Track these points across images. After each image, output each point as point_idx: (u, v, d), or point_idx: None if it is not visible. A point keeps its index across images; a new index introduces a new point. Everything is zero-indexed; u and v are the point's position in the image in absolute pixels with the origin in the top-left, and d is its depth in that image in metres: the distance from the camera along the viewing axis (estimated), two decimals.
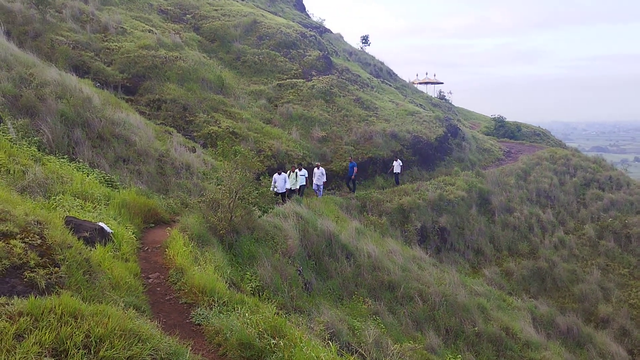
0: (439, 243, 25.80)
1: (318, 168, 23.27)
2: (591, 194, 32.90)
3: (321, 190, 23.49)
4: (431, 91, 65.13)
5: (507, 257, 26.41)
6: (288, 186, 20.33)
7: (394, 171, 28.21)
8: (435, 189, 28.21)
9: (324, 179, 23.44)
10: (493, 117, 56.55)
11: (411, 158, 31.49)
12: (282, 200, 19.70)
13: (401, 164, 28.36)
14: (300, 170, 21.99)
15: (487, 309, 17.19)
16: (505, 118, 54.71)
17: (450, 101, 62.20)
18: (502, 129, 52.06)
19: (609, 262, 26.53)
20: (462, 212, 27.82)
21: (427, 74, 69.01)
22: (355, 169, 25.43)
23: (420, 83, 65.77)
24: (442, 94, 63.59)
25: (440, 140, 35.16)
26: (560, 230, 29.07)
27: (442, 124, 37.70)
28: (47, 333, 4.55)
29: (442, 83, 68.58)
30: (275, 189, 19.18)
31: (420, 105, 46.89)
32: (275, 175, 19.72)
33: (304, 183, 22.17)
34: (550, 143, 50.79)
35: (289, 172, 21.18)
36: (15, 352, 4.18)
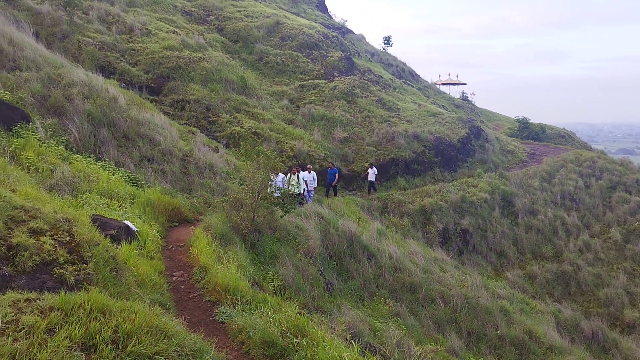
0: (461, 245, 25.58)
1: (309, 172, 20.62)
2: (617, 197, 32.27)
3: (311, 195, 20.42)
4: (454, 92, 64.64)
5: (530, 260, 26.05)
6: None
7: (368, 179, 25.62)
8: (457, 191, 27.99)
9: (315, 184, 20.87)
10: (517, 118, 55.87)
11: (433, 159, 31.29)
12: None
13: (376, 172, 25.62)
14: (309, 172, 20.31)
15: (510, 312, 16.99)
16: (530, 119, 54.02)
17: (473, 102, 61.63)
18: (526, 130, 51.40)
19: (635, 267, 25.98)
20: (484, 214, 27.55)
21: (449, 74, 68.52)
22: (337, 175, 23.42)
23: (442, 84, 65.27)
24: (464, 95, 63.04)
25: (462, 142, 34.86)
26: (586, 233, 28.57)
27: (465, 125, 37.37)
28: (76, 328, 4.64)
29: (464, 84, 67.98)
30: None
31: (443, 106, 46.57)
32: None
33: (311, 189, 20.17)
34: (575, 145, 49.96)
35: (289, 174, 18.84)
36: (46, 346, 4.27)
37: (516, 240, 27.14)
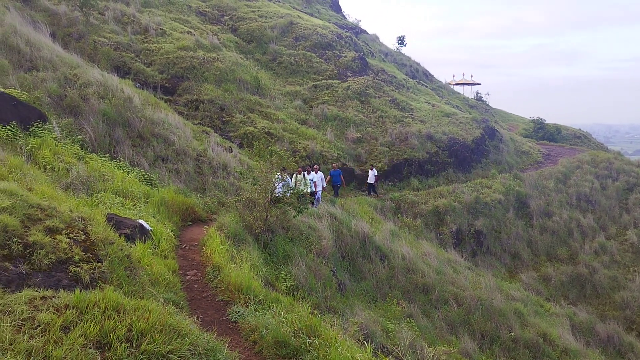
0: (475, 246, 25.42)
1: (316, 172, 19.06)
2: (634, 199, 31.89)
3: (318, 196, 18.65)
4: (468, 92, 64.27)
5: (545, 262, 25.84)
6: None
7: (368, 181, 24.38)
8: (471, 192, 27.83)
9: (323, 184, 19.33)
10: (532, 119, 55.44)
11: (447, 160, 31.13)
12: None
13: (376, 174, 24.41)
14: (316, 172, 18.97)
15: (524, 314, 16.86)
16: (545, 120, 53.54)
17: (487, 102, 61.23)
18: (542, 131, 50.98)
19: None
20: (499, 216, 27.36)
21: (463, 75, 68.16)
22: (342, 176, 21.90)
23: (456, 84, 64.94)
24: (479, 95, 62.65)
25: (477, 142, 34.65)
26: (602, 235, 28.26)
27: (479, 125, 37.15)
28: (91, 326, 4.69)
29: (479, 84, 67.57)
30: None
31: (457, 106, 46.34)
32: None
33: (319, 189, 18.72)
34: (591, 146, 49.45)
35: (294, 173, 17.47)
36: (62, 344, 4.32)
37: (531, 241, 26.93)
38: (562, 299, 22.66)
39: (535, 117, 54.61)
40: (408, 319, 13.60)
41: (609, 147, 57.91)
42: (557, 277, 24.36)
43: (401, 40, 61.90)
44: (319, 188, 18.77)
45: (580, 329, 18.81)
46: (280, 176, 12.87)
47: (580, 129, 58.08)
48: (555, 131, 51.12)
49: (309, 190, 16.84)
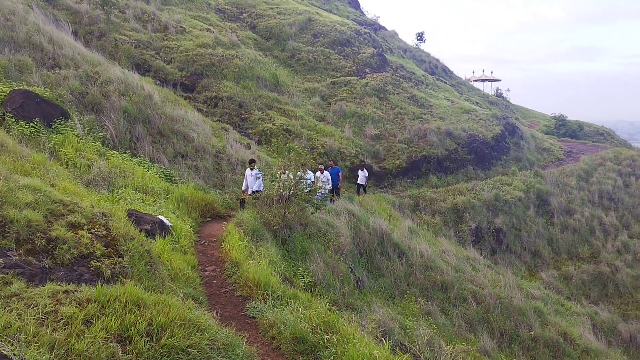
0: (494, 244, 25.19)
1: (322, 172, 17.49)
2: None
3: (326, 199, 16.04)
4: (488, 88, 63.63)
5: (566, 261, 25.49)
6: (258, 188, 14.17)
7: (357, 182, 22.03)
8: (491, 189, 27.57)
9: (328, 186, 17.38)
10: (553, 115, 54.66)
11: (466, 157, 30.87)
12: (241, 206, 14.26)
13: (366, 174, 22.00)
14: (321, 172, 17.40)
15: (544, 313, 16.66)
16: (566, 116, 52.74)
17: (507, 99, 60.53)
18: (563, 127, 50.24)
19: None
20: (519, 213, 27.06)
21: (483, 71, 67.49)
22: (340, 174, 19.75)
23: (476, 80, 64.32)
24: (499, 91, 61.94)
25: (497, 139, 34.29)
26: (624, 234, 27.77)
27: (499, 122, 36.75)
28: (112, 320, 4.76)
29: (499, 80, 66.85)
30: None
31: (477, 103, 45.90)
32: (247, 171, 14.48)
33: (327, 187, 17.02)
34: (614, 143, 48.62)
35: (316, 171, 16.26)
36: (84, 337, 4.39)
37: (551, 240, 26.58)
38: (583, 298, 22.35)
39: (556, 114, 53.85)
40: (426, 316, 13.54)
41: (633, 144, 56.90)
42: (578, 276, 24.02)
43: (420, 36, 61.44)
44: (327, 186, 17.10)
45: (602, 328, 18.54)
46: (300, 173, 12.92)
47: (603, 126, 57.11)
48: (577, 128, 50.35)
49: (327, 187, 16.72)
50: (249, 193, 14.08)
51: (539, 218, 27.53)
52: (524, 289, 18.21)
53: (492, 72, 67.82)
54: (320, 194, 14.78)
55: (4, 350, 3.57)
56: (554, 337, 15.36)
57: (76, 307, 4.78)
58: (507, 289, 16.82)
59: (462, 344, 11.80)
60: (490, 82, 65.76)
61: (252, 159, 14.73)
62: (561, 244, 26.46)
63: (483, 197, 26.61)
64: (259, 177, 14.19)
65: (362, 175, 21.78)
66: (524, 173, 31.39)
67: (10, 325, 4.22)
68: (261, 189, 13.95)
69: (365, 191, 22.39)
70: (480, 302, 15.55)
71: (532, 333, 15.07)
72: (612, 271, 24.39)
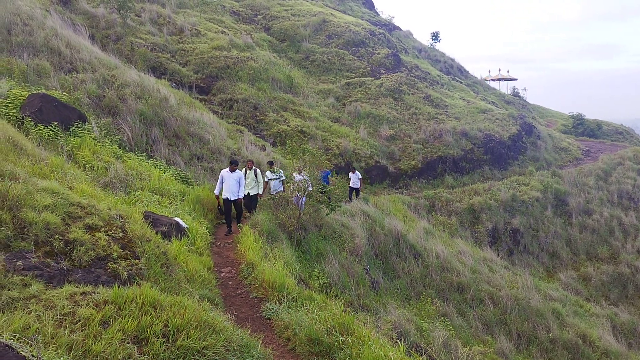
0: (511, 245, 24.95)
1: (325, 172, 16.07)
2: None
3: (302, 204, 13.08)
4: (504, 88, 63.01)
5: (584, 262, 25.15)
6: (245, 191, 13.10)
7: (350, 185, 19.96)
8: (507, 189, 27.32)
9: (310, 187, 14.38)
10: (571, 114, 53.98)
11: (482, 157, 30.64)
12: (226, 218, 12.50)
13: (360, 177, 20.50)
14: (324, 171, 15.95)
15: (562, 314, 16.46)
16: (584, 115, 52.06)
17: (524, 98, 59.90)
18: (581, 127, 49.60)
19: None
20: (536, 214, 26.78)
21: (499, 70, 66.84)
22: (329, 178, 17.89)
23: (492, 80, 63.74)
24: (515, 90, 61.29)
25: (513, 139, 33.98)
26: None
27: (516, 121, 36.42)
28: (129, 321, 4.80)
29: (515, 79, 66.18)
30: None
31: (493, 102, 45.52)
32: (224, 172, 12.39)
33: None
34: (633, 142, 47.85)
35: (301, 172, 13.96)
36: (101, 338, 4.43)
37: (570, 240, 26.26)
38: (602, 299, 22.03)
39: (574, 113, 53.18)
40: (442, 318, 13.45)
41: None
42: (597, 277, 23.69)
43: (435, 36, 61.09)
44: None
45: (622, 330, 18.26)
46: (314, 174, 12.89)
47: (622, 124, 56.26)
48: (595, 127, 49.68)
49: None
50: (241, 196, 12.53)
51: (556, 218, 27.22)
52: (541, 290, 18.01)
53: (508, 72, 67.20)
54: (296, 198, 13.01)
55: (22, 351, 3.62)
56: (572, 339, 15.16)
57: (93, 308, 4.83)
58: (525, 290, 16.66)
59: (479, 346, 11.72)
60: (506, 82, 65.12)
61: (270, 161, 14.72)
62: (580, 244, 26.12)
63: (500, 197, 26.38)
64: (280, 179, 14.16)
65: (354, 178, 20.32)
66: (541, 173, 31.06)
67: (29, 327, 4.28)
68: (282, 188, 13.98)
69: (357, 195, 20.27)
70: (497, 304, 15.42)
71: (550, 335, 14.90)
72: (632, 272, 24.02)
